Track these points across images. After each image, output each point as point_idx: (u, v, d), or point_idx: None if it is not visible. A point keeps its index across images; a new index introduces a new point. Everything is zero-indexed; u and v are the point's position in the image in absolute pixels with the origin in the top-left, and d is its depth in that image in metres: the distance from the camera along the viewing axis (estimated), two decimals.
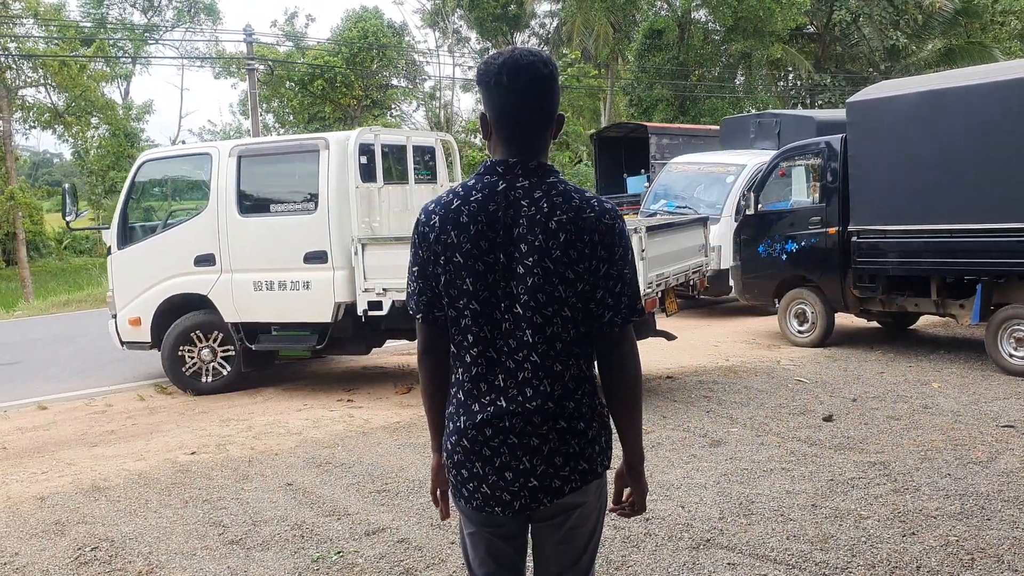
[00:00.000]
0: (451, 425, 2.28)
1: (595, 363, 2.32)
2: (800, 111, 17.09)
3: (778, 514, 4.88)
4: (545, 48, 38.36)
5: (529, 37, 38.48)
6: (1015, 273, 8.04)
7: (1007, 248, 7.89)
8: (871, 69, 30.06)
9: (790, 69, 32.80)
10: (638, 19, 31.94)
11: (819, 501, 5.06)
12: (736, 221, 11.51)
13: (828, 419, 6.77)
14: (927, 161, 8.38)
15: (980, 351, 8.67)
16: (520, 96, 2.20)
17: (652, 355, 9.56)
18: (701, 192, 12.61)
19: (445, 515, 2.47)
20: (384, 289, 7.86)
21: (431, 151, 9.71)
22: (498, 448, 2.21)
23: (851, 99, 9.35)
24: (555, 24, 36.91)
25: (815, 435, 6.40)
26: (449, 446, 2.28)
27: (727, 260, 11.48)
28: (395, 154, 9.16)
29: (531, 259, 2.16)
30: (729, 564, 4.25)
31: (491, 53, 2.36)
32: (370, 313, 7.99)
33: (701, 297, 12.32)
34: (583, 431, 2.24)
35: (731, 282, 11.49)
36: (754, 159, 12.39)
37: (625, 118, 33.31)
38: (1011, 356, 8.01)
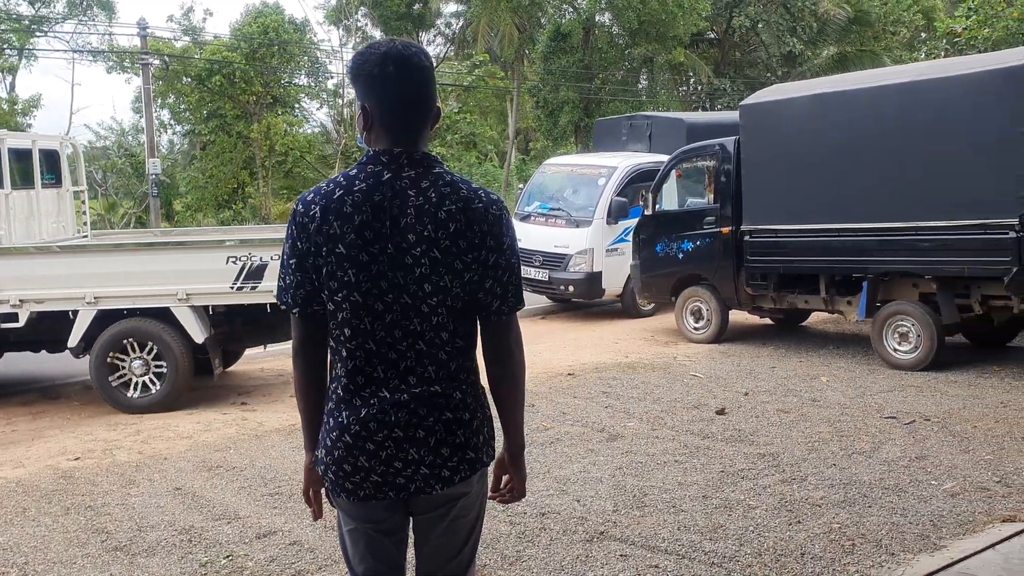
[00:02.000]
0: (331, 421, 2.24)
1: (476, 352, 2.33)
2: (670, 113, 17.30)
3: (670, 505, 4.98)
4: (451, 48, 38.34)
5: (435, 37, 38.37)
6: (898, 271, 8.38)
7: (890, 247, 8.22)
8: (769, 74, 30.96)
9: (691, 73, 33.53)
10: (543, 21, 32.19)
11: (710, 492, 5.18)
12: (609, 223, 11.73)
13: (721, 412, 6.93)
14: (816, 163, 8.68)
15: (866, 346, 9.02)
16: (407, 86, 2.20)
17: (555, 353, 9.67)
18: (573, 194, 12.66)
19: (318, 515, 2.43)
20: (20, 300, 7.59)
21: (56, 154, 9.59)
22: (383, 443, 2.18)
23: (744, 102, 9.62)
24: (460, 24, 36.88)
25: (708, 428, 6.55)
26: (329, 443, 2.24)
27: (599, 263, 11.69)
28: (21, 158, 8.97)
29: (419, 249, 2.15)
30: (621, 556, 4.31)
31: (364, 45, 2.34)
32: (3, 325, 7.71)
33: (574, 300, 12.56)
34: (468, 421, 2.25)
35: (604, 285, 11.74)
36: (626, 161, 12.52)
37: (532, 120, 33.54)
38: (895, 350, 8.35)
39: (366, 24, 34.98)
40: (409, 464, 2.19)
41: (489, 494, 2.44)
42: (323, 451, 2.26)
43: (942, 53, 26.25)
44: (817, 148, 8.65)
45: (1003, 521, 4.54)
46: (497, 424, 2.36)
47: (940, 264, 7.94)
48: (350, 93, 31.43)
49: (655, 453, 5.97)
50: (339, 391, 2.23)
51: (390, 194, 2.17)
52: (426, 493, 2.23)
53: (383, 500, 2.24)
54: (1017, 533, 4.24)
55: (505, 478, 2.43)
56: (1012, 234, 7.37)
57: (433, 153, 2.26)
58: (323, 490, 2.37)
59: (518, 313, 2.33)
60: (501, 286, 2.25)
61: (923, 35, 32.02)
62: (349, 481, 2.22)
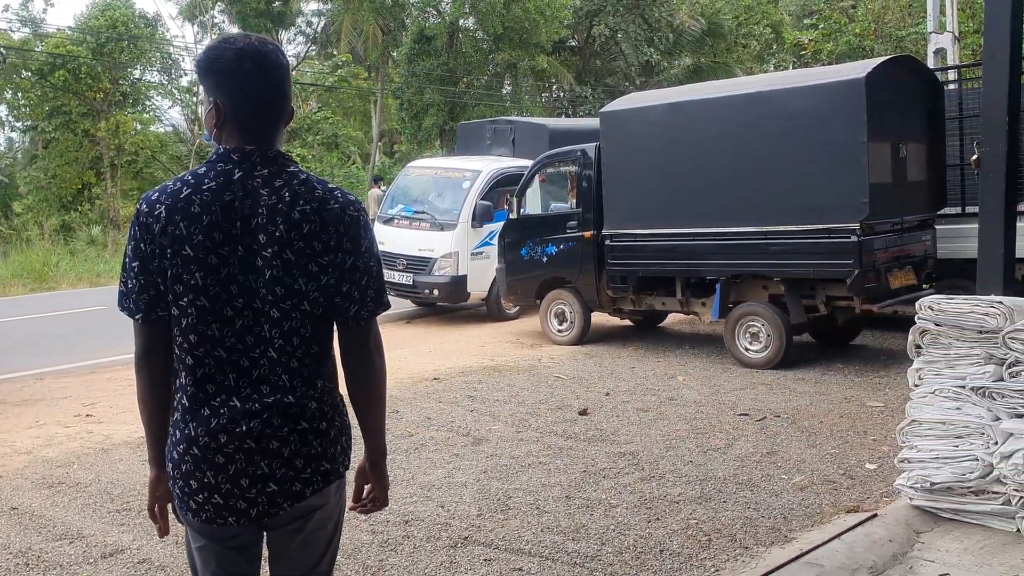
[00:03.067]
0: (177, 434, 2.12)
1: (333, 359, 2.26)
2: (533, 119, 17.61)
3: (534, 507, 4.99)
4: (313, 48, 37.59)
5: (295, 35, 37.54)
6: (749, 273, 8.73)
7: (742, 250, 8.55)
8: (628, 83, 31.79)
9: (554, 80, 34.05)
10: (407, 23, 32.00)
11: (573, 492, 5.23)
12: (473, 227, 11.78)
13: (583, 413, 7.03)
14: (672, 169, 8.94)
15: (720, 346, 9.34)
16: (264, 84, 2.13)
17: (420, 358, 9.59)
18: (437, 197, 12.65)
19: (164, 532, 2.31)
20: None
21: None
22: (233, 455, 2.08)
23: (604, 109, 9.82)
24: (322, 23, 36.23)
25: (571, 429, 6.62)
26: (176, 456, 2.12)
27: (464, 267, 11.72)
28: None
29: (270, 251, 2.07)
30: (485, 560, 4.29)
31: (216, 39, 2.24)
32: None
33: (439, 304, 12.56)
34: (325, 430, 2.18)
35: (469, 288, 11.78)
36: (490, 165, 12.59)
37: (396, 122, 33.26)
38: (746, 350, 8.68)
39: (223, 21, 33.90)
40: (257, 481, 2.10)
41: (350, 505, 2.37)
42: (171, 465, 2.14)
43: (790, 65, 27.63)
44: (673, 155, 8.91)
45: (847, 512, 4.77)
46: (357, 432, 2.29)
47: (788, 267, 8.32)
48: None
49: (519, 455, 5.99)
50: (185, 401, 2.12)
51: (241, 193, 2.08)
52: (271, 515, 2.14)
53: (223, 525, 2.13)
54: (860, 523, 4.45)
55: (367, 487, 2.36)
56: (854, 238, 7.80)
57: (293, 154, 2.18)
58: (170, 505, 2.25)
59: (383, 317, 2.28)
60: (359, 290, 2.18)
61: (772, 47, 33.55)
62: (193, 500, 2.11)
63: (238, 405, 2.09)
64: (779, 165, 8.23)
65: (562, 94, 34.27)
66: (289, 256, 2.09)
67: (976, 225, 8.84)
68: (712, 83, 11.86)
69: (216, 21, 33.68)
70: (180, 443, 2.11)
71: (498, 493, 5.26)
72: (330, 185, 2.20)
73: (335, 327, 2.22)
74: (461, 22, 30.39)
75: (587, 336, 10.20)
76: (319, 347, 2.18)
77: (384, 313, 2.28)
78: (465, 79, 31.13)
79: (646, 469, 5.64)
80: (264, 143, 2.14)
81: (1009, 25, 4.78)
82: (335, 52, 32.19)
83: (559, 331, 10.29)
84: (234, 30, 32.14)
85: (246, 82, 2.11)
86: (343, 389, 2.28)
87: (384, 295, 2.25)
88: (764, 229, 8.34)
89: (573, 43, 33.76)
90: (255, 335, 2.09)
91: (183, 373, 2.12)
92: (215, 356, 2.08)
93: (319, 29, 36.93)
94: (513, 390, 7.95)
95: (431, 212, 12.31)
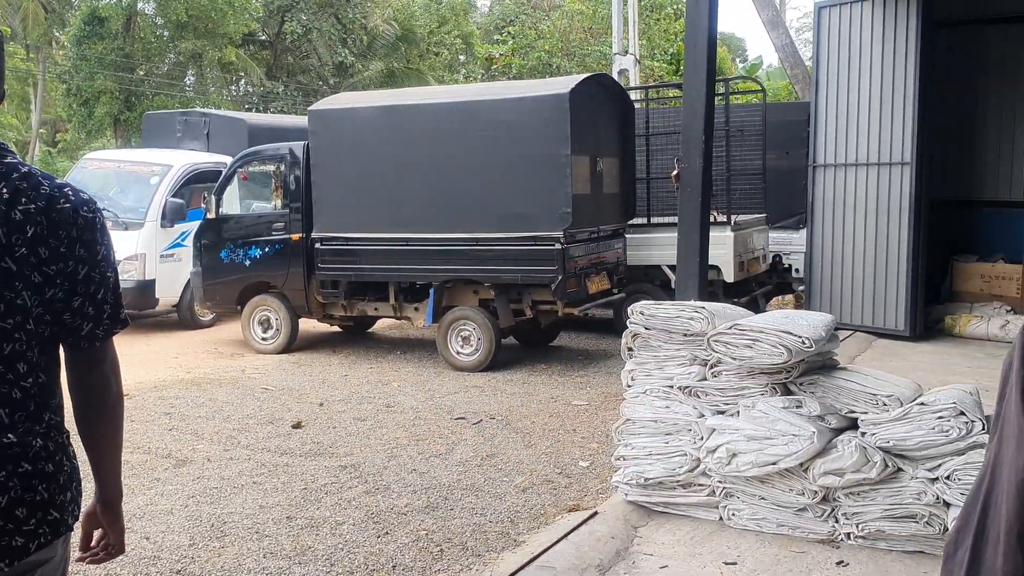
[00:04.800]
0: None
1: (60, 387, 1.91)
2: (231, 112, 16.79)
3: (252, 531, 4.67)
4: None
5: None
6: (461, 278, 8.83)
7: (454, 256, 8.65)
8: (321, 82, 31.28)
9: (243, 74, 32.67)
10: (75, 2, 29.13)
11: (294, 512, 4.95)
12: (163, 227, 11.00)
13: (297, 426, 6.72)
14: (383, 173, 8.83)
15: (431, 349, 9.38)
16: None
17: None
18: (120, 194, 11.64)
19: None
20: None
21: None
22: None
23: (313, 107, 9.50)
24: None
25: (286, 444, 6.30)
26: None
27: (152, 270, 10.91)
28: None
29: None
30: None
31: None
32: None
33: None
34: (52, 473, 1.83)
35: (157, 294, 10.98)
36: (182, 159, 11.83)
37: (62, 110, 30.13)
38: (459, 353, 8.78)
39: None
40: None
41: (77, 555, 2.03)
42: None
43: (479, 76, 28.65)
44: (385, 159, 8.81)
45: (569, 511, 4.92)
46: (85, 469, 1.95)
47: (498, 272, 8.53)
48: None
49: (231, 476, 5.58)
50: None
51: None
52: None
53: None
54: (584, 522, 4.60)
55: (97, 533, 2.04)
56: (558, 246, 8.18)
57: None
58: None
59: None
60: (94, 305, 1.85)
61: (462, 58, 34.62)
62: None
63: None
64: (489, 174, 8.42)
65: (252, 89, 32.97)
66: (10, 265, 1.71)
67: (660, 234, 9.73)
68: (425, 89, 11.96)
69: None
70: None
71: (211, 519, 4.85)
72: (58, 181, 1.83)
73: (62, 349, 1.86)
74: (140, 5, 28.18)
75: (294, 344, 9.80)
76: (46, 375, 1.82)
77: None
78: (144, 67, 28.93)
79: (370, 481, 5.47)
80: None
81: (707, 50, 5.21)
82: None
83: (264, 339, 9.78)
84: None
85: None
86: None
87: (122, 310, 1.94)
88: (475, 236, 8.50)
89: (263, 37, 32.61)
90: None
91: None
92: None
93: None
94: (216, 405, 7.42)
95: (113, 210, 11.15)
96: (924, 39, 8.69)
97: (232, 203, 9.91)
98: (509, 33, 24.32)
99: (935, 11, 8.89)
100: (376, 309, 9.47)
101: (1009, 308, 9.54)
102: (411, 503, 5.09)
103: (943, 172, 9.92)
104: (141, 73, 28.86)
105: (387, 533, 4.66)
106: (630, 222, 9.78)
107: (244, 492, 5.29)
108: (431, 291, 8.91)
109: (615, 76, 13.30)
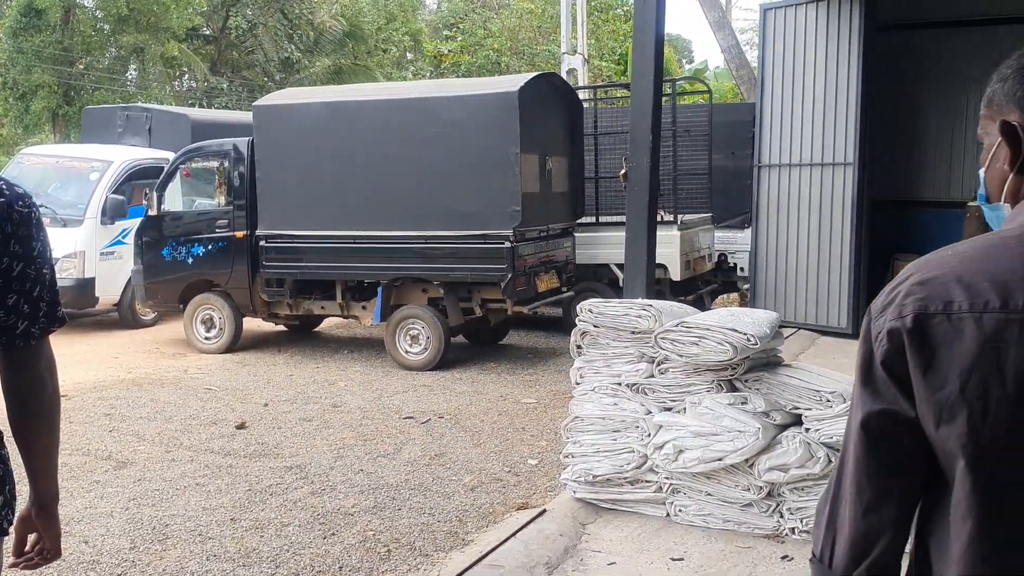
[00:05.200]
0: None
1: None
2: (173, 108, 16.50)
3: (196, 534, 4.59)
4: None
5: None
6: (410, 277, 8.77)
7: (403, 254, 8.58)
8: (267, 78, 30.84)
9: (186, 69, 32.09)
10: None
11: (238, 514, 4.87)
12: (103, 224, 10.76)
13: (241, 427, 6.61)
14: (330, 170, 8.73)
15: (379, 348, 9.30)
16: None
17: None
18: (58, 190, 11.32)
19: None
20: None
21: None
22: None
23: (258, 103, 9.35)
24: None
25: (229, 445, 6.19)
26: None
27: (92, 268, 10.66)
28: None
29: None
30: None
31: None
32: None
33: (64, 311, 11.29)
34: None
35: (97, 292, 10.73)
36: (123, 155, 11.56)
37: None
38: (407, 352, 8.71)
39: None
40: None
41: (10, 561, 1.97)
42: None
43: (428, 74, 28.53)
44: (332, 156, 8.71)
45: (518, 509, 4.91)
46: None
47: (448, 271, 8.49)
48: None
49: (173, 478, 5.48)
50: None
51: None
52: None
53: None
54: (532, 520, 4.59)
55: (32, 538, 1.97)
56: (507, 244, 8.16)
57: None
58: None
59: None
60: (29, 303, 1.80)
61: (410, 55, 34.42)
62: None
63: None
64: (437, 172, 8.36)
65: (195, 84, 32.40)
66: None
67: (608, 233, 9.77)
68: (372, 85, 11.84)
69: None
70: None
71: (152, 522, 4.75)
72: None
73: None
74: None
75: (238, 343, 9.63)
76: None
77: None
78: (84, 60, 28.25)
79: (316, 482, 5.40)
80: None
81: (654, 51, 5.24)
82: None
83: (207, 338, 9.60)
84: None
85: None
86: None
87: (59, 308, 1.90)
88: (425, 234, 8.44)
89: (208, 32, 32.06)
90: None
91: None
92: None
93: None
94: (158, 405, 7.27)
95: (51, 206, 10.84)
96: (867, 42, 8.86)
97: (174, 200, 9.70)
98: (459, 29, 24.22)
99: (878, 14, 9.07)
100: (323, 308, 9.36)
101: None
102: (358, 503, 5.03)
103: (885, 173, 10.12)
104: (81, 67, 28.17)
105: (333, 534, 4.60)
106: (579, 221, 9.80)
107: (187, 494, 5.19)
108: (379, 289, 8.83)
109: (564, 75, 13.34)
